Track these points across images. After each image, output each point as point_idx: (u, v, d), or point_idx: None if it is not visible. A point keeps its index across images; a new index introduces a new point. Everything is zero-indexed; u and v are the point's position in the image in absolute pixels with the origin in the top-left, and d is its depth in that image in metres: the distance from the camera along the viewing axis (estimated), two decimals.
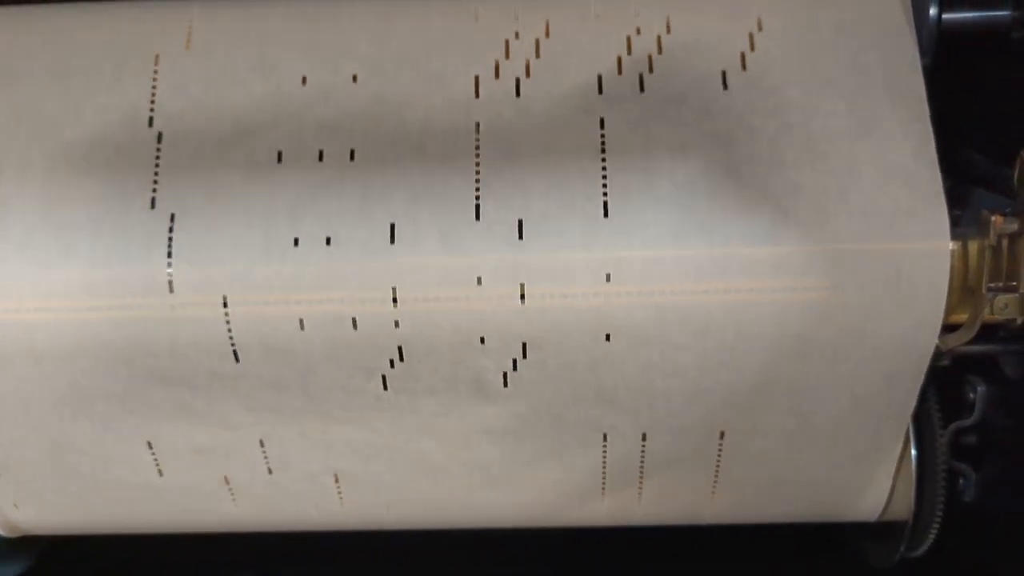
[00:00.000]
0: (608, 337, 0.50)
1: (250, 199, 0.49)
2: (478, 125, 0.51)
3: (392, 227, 0.49)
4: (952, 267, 0.48)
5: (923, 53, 0.51)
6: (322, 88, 0.52)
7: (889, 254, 0.48)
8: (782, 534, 0.62)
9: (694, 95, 0.51)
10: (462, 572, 0.68)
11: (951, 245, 0.48)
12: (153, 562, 0.67)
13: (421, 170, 0.50)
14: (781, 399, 0.52)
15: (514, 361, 0.51)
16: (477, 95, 0.51)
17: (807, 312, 0.49)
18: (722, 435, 0.54)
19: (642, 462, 0.56)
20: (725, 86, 0.51)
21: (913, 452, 0.56)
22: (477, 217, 0.49)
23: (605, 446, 0.55)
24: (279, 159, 0.50)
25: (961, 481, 0.59)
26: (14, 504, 0.59)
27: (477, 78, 0.52)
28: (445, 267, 0.49)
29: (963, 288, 0.49)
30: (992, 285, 0.48)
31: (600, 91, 0.51)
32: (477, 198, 0.49)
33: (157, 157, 0.51)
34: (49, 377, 0.51)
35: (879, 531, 0.61)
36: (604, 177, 0.49)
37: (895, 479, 0.57)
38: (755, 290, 0.48)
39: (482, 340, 0.50)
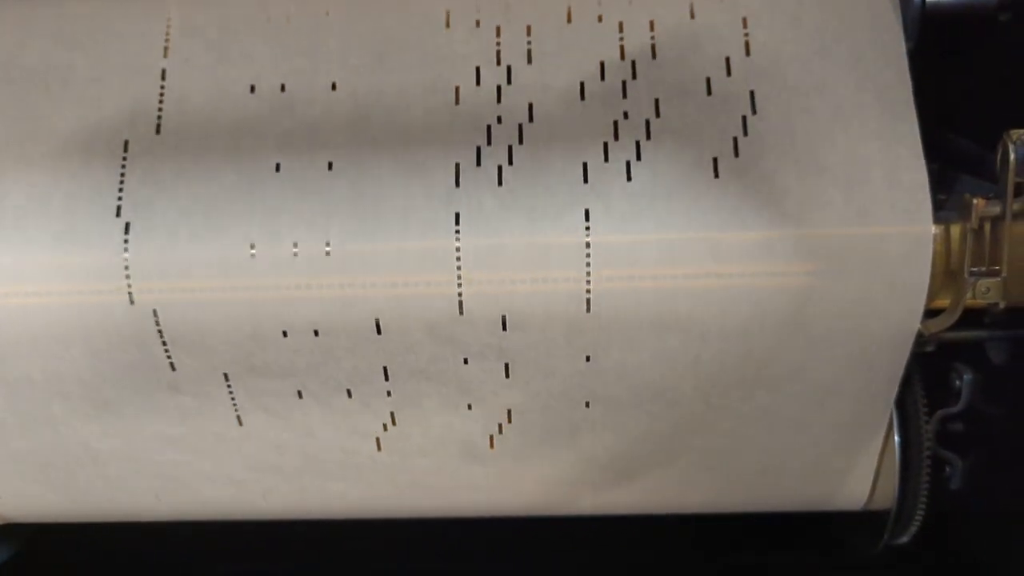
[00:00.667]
0: (590, 321, 0.49)
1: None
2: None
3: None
4: (934, 251, 0.48)
5: (908, 37, 0.51)
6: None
7: (872, 238, 0.48)
8: (767, 522, 0.62)
9: (679, 86, 0.50)
10: (456, 563, 0.68)
11: (933, 229, 0.47)
12: (139, 550, 0.67)
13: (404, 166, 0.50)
14: (763, 385, 0.52)
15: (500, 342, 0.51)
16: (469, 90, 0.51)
17: (790, 297, 0.49)
18: (705, 422, 0.54)
19: (625, 450, 0.55)
20: (707, 74, 0.50)
21: (897, 439, 0.56)
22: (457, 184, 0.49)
23: (588, 434, 0.55)
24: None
25: (947, 469, 0.59)
26: None
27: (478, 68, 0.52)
28: (413, 252, 0.49)
29: (946, 272, 0.49)
30: (974, 269, 0.48)
31: (583, 90, 0.51)
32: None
33: (124, 164, 0.51)
34: (26, 363, 0.51)
35: (864, 519, 0.61)
36: (585, 164, 0.49)
37: (879, 467, 0.57)
38: (738, 275, 0.48)
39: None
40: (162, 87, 0.52)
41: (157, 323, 0.50)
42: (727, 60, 0.51)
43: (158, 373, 0.52)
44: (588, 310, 0.49)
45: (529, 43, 0.52)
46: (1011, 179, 0.46)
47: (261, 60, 0.52)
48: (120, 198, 0.50)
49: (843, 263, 0.48)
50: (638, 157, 0.49)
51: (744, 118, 0.49)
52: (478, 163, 0.49)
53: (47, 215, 0.50)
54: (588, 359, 0.51)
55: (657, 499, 0.59)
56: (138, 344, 0.51)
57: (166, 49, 0.53)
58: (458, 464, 0.56)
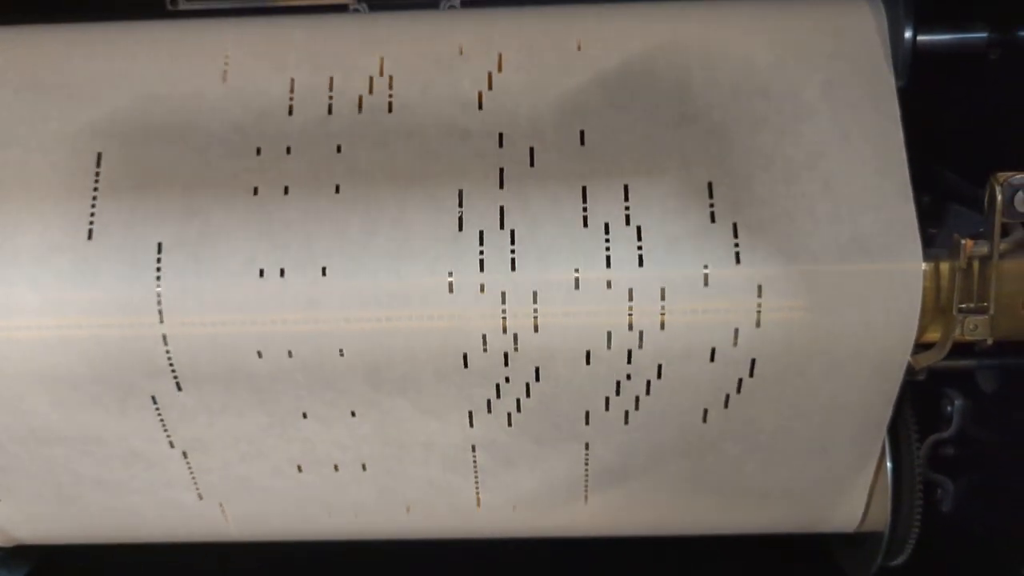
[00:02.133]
0: (588, 355, 0.51)
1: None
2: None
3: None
4: (924, 288, 0.49)
5: (898, 75, 0.52)
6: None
7: (863, 275, 0.49)
8: (762, 544, 0.63)
9: (667, 113, 0.51)
10: None
11: (923, 266, 0.48)
12: (145, 571, 0.68)
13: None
14: (758, 414, 0.53)
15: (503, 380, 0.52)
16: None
17: (782, 331, 0.50)
18: (700, 448, 0.55)
19: (622, 474, 0.57)
20: (701, 111, 0.51)
21: (889, 464, 0.57)
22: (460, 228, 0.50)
23: (587, 456, 0.56)
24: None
25: (939, 492, 0.60)
26: (6, 515, 0.60)
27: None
28: (426, 288, 0.50)
29: (935, 308, 0.50)
30: (963, 306, 0.49)
31: (576, 107, 0.52)
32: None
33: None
34: (36, 391, 0.52)
35: (858, 542, 0.62)
36: (584, 199, 0.50)
37: (872, 491, 0.58)
38: (730, 310, 0.49)
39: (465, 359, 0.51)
40: None
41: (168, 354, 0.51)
42: (713, 86, 0.51)
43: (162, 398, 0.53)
44: (584, 343, 0.50)
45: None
46: (998, 220, 0.47)
47: None
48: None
49: (834, 299, 0.49)
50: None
51: (736, 156, 0.50)
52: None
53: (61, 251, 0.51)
54: (586, 389, 0.52)
55: (650, 521, 0.60)
56: (144, 373, 0.52)
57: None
58: (451, 483, 0.57)
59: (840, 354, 0.50)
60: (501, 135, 0.52)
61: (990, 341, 0.50)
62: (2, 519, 0.60)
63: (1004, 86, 0.55)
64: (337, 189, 0.51)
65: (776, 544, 0.64)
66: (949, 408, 0.59)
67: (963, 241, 0.48)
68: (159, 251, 0.50)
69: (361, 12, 0.58)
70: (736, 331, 0.50)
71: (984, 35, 0.54)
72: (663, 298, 0.49)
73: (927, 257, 0.49)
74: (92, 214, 0.51)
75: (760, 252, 0.49)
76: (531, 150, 0.51)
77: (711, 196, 0.50)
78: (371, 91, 0.53)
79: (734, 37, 0.53)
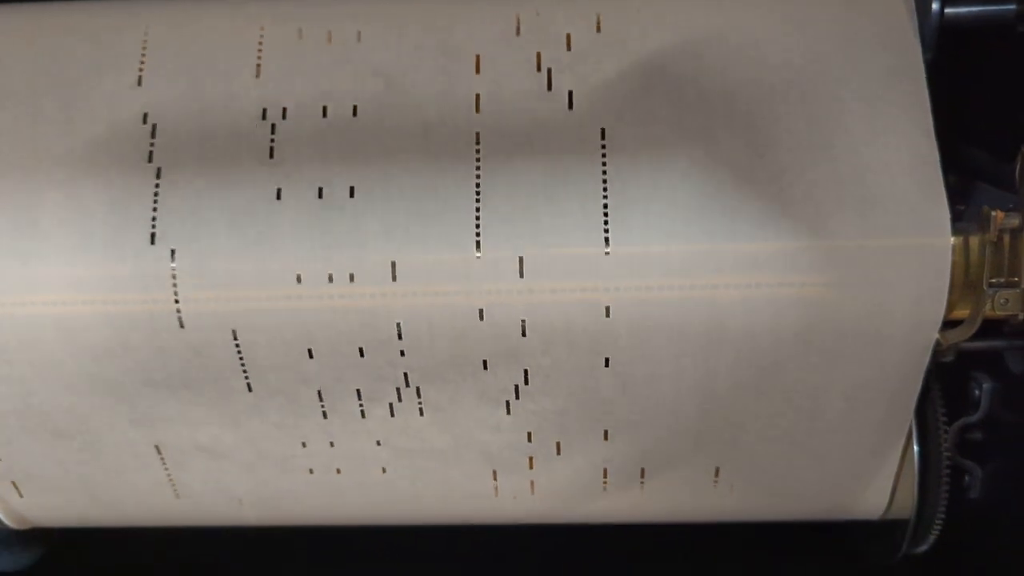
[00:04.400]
0: (604, 332, 0.50)
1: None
2: (478, 135, 0.51)
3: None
4: (953, 263, 0.48)
5: (925, 48, 0.51)
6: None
7: (890, 250, 0.48)
8: (784, 531, 0.62)
9: (693, 93, 0.51)
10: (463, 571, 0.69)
11: (952, 240, 0.47)
12: (161, 555, 0.67)
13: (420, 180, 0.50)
14: (781, 395, 0.52)
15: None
16: (478, 110, 0.51)
17: (807, 308, 0.49)
18: (723, 432, 0.54)
19: (643, 459, 0.56)
20: (724, 84, 0.50)
21: (915, 448, 0.56)
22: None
23: (606, 443, 0.55)
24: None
25: (967, 478, 0.59)
26: (20, 494, 0.60)
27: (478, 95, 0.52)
28: (444, 264, 0.49)
29: (964, 284, 0.49)
30: (993, 281, 0.48)
31: (598, 93, 0.51)
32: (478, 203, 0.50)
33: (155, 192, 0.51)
34: (57, 369, 0.52)
35: (883, 529, 0.61)
36: (604, 174, 0.49)
37: (898, 476, 0.57)
38: (753, 285, 0.48)
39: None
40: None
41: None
42: (741, 64, 0.51)
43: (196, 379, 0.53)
44: (607, 319, 0.49)
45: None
46: None
47: None
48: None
49: (861, 275, 0.48)
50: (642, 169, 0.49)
51: (760, 130, 0.50)
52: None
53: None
54: (607, 366, 0.51)
55: (674, 509, 0.60)
56: (191, 350, 0.51)
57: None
58: (472, 469, 0.57)
59: (866, 332, 0.49)
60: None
61: (1021, 316, 0.49)
62: (17, 502, 0.60)
63: None
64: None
65: (796, 532, 0.63)
66: (977, 392, 0.58)
67: (993, 213, 0.47)
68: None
69: None
70: (754, 308, 0.49)
71: (1013, 7, 0.52)
72: (684, 273, 0.48)
73: (956, 231, 0.48)
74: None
75: (783, 227, 0.48)
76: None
77: (732, 171, 0.49)
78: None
79: (754, 12, 0.52)
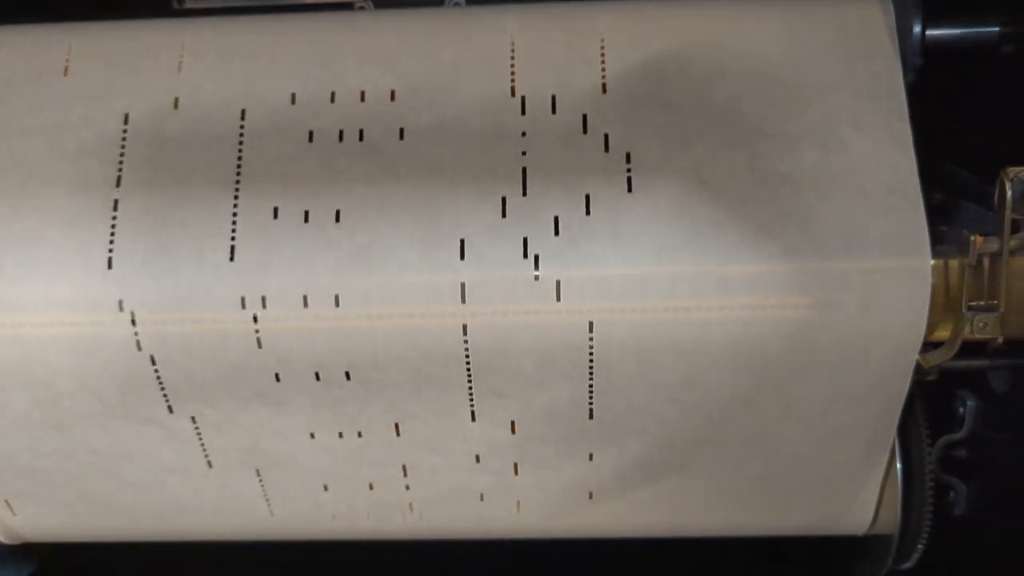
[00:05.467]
0: (591, 353, 0.50)
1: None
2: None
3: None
4: (933, 285, 0.48)
5: (907, 70, 0.51)
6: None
7: (870, 272, 0.48)
8: (768, 546, 0.62)
9: (677, 114, 0.51)
10: None
11: (932, 263, 0.48)
12: (153, 568, 0.68)
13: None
14: (764, 414, 0.52)
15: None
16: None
17: (787, 329, 0.49)
18: (706, 449, 0.54)
19: (629, 474, 0.56)
20: (706, 104, 0.51)
21: (899, 466, 0.56)
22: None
23: (591, 459, 0.55)
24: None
25: (952, 494, 0.59)
26: (12, 511, 0.60)
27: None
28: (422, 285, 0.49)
29: (944, 306, 0.49)
30: (972, 304, 0.48)
31: (585, 110, 0.51)
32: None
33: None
34: (50, 389, 0.52)
35: (868, 544, 0.61)
36: (587, 196, 0.50)
37: (882, 493, 0.57)
38: (734, 308, 0.49)
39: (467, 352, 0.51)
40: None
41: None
42: (723, 84, 0.51)
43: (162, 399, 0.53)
44: (591, 340, 0.50)
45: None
46: (1008, 216, 0.46)
47: None
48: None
49: (840, 296, 0.48)
50: (629, 190, 0.49)
51: (742, 151, 0.50)
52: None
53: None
54: (591, 388, 0.52)
55: (658, 522, 0.60)
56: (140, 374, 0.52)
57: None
58: (460, 478, 0.57)
59: (847, 353, 0.50)
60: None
61: (1000, 340, 0.49)
62: (9, 517, 0.60)
63: (1018, 81, 0.54)
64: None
65: (781, 547, 0.63)
66: (961, 409, 0.58)
67: (972, 237, 0.47)
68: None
69: (367, 10, 0.58)
70: (737, 330, 0.49)
71: (996, 29, 0.53)
72: (669, 295, 0.49)
73: (936, 254, 0.48)
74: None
75: (764, 249, 0.48)
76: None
77: (713, 193, 0.49)
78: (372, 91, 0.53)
79: (738, 33, 0.52)
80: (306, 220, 0.50)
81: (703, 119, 0.51)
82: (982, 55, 0.54)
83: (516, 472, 0.56)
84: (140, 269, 0.50)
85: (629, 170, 0.50)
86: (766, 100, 0.51)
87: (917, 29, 0.51)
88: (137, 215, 0.51)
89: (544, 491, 0.57)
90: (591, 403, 0.52)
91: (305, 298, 0.49)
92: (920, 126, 0.50)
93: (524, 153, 0.50)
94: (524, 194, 0.50)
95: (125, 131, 0.52)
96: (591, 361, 0.50)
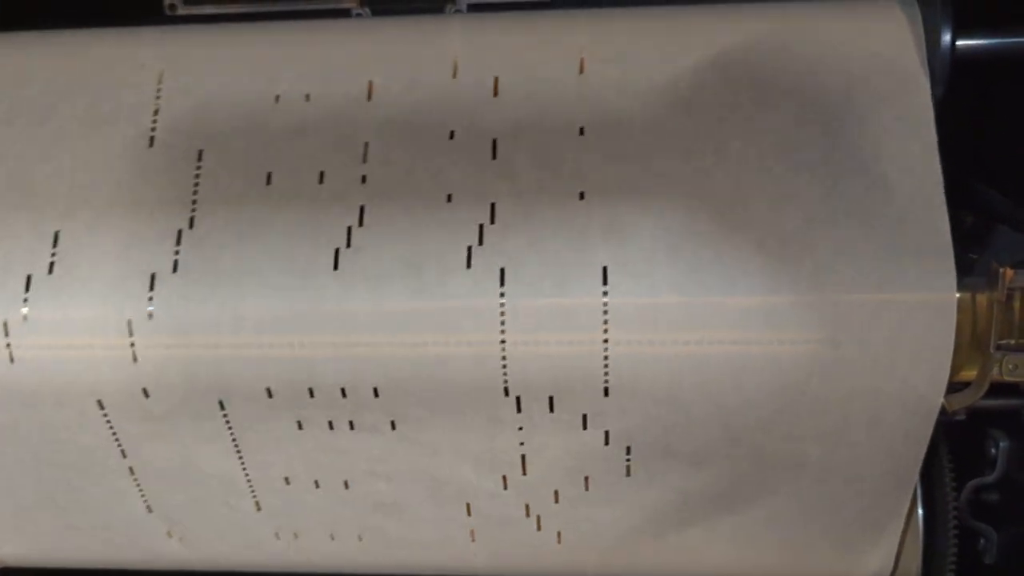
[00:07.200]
0: (606, 387, 0.47)
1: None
2: None
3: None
4: (959, 321, 0.44)
5: (935, 83, 0.47)
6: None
7: (889, 305, 0.44)
8: None
9: (689, 140, 0.48)
10: None
11: (957, 296, 0.44)
12: None
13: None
14: (778, 454, 0.49)
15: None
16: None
17: (801, 366, 0.46)
18: (720, 491, 0.52)
19: (642, 514, 0.53)
20: (721, 128, 0.47)
21: (920, 511, 0.52)
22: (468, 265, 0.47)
23: (610, 499, 0.52)
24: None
25: (982, 541, 0.56)
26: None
27: None
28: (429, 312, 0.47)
29: (971, 344, 0.45)
30: (1002, 343, 0.44)
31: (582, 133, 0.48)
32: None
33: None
34: (36, 416, 0.50)
35: None
36: (600, 226, 0.47)
37: (903, 539, 0.54)
38: (747, 342, 0.45)
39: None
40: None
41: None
42: (737, 105, 0.48)
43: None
44: (607, 373, 0.47)
45: None
46: None
47: None
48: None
49: (858, 331, 0.45)
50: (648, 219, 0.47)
51: (757, 179, 0.46)
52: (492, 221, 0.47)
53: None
54: (599, 420, 0.49)
55: (674, 564, 0.57)
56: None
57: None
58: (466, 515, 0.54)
59: (865, 392, 0.46)
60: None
61: None
62: None
63: None
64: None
65: None
66: (993, 450, 0.54)
67: (1002, 270, 0.43)
68: None
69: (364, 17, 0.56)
70: (751, 366, 0.46)
71: None
72: (681, 329, 0.45)
73: (962, 287, 0.44)
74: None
75: (778, 280, 0.45)
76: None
77: (728, 223, 0.46)
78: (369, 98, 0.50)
79: (759, 42, 0.49)
80: None
81: (713, 149, 0.47)
82: (1016, 66, 0.49)
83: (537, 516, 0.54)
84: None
85: None
86: (780, 123, 0.47)
87: (947, 39, 0.47)
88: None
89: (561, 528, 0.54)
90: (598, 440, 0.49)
91: None
92: (949, 143, 0.46)
93: None
94: None
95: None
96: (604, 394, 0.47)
